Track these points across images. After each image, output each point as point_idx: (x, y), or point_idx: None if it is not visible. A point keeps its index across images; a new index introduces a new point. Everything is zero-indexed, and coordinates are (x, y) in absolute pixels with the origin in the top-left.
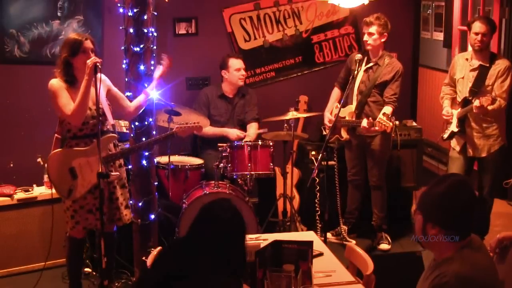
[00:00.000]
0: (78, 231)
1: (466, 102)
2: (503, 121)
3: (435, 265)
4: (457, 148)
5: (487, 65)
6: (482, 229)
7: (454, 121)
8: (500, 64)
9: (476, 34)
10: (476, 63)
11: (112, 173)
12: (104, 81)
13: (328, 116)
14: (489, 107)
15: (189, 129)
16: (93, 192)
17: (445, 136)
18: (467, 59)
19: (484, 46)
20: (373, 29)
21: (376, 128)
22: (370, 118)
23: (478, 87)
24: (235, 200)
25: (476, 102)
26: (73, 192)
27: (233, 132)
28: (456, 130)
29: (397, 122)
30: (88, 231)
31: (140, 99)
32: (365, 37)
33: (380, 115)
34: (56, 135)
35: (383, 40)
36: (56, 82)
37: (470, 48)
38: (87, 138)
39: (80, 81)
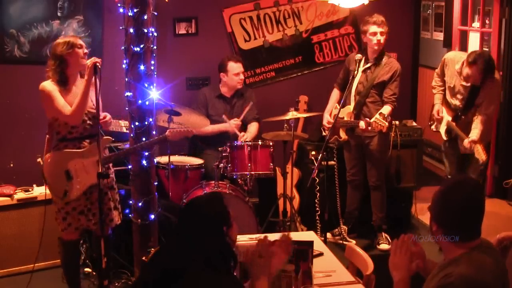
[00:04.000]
0: (71, 232)
1: (457, 118)
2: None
3: (444, 264)
4: (445, 137)
5: (478, 85)
6: None
7: (443, 127)
8: (490, 85)
9: (467, 75)
10: (468, 83)
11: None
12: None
13: (327, 118)
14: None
15: (179, 134)
16: (85, 193)
17: (433, 128)
18: (459, 72)
19: (472, 82)
20: (385, 29)
21: (373, 127)
22: (367, 118)
23: (470, 105)
24: (232, 199)
25: (466, 143)
26: (68, 194)
27: (229, 125)
28: (445, 138)
29: (397, 122)
30: (85, 231)
31: None
32: (378, 37)
33: (377, 115)
34: (47, 136)
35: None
36: (48, 85)
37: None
38: (76, 140)
39: (71, 81)
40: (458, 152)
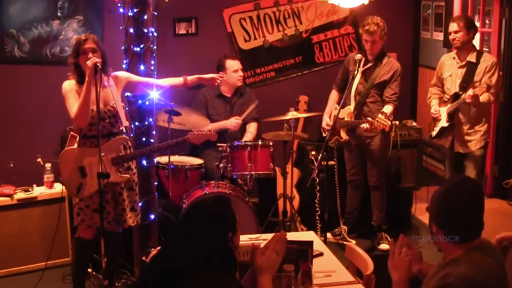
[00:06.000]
0: (84, 229)
1: (456, 97)
2: (490, 117)
3: (443, 264)
4: (447, 145)
5: (475, 61)
6: None
7: (444, 117)
8: (487, 60)
9: (449, 34)
10: (463, 60)
11: (123, 175)
12: (119, 79)
13: (326, 120)
14: (480, 98)
15: (202, 137)
16: (99, 191)
17: (434, 133)
18: (454, 58)
19: (459, 42)
20: (377, 36)
21: (375, 126)
22: (369, 118)
23: (468, 82)
24: (233, 200)
25: (470, 91)
26: (81, 190)
27: (230, 122)
28: (446, 125)
29: (397, 122)
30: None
31: (176, 80)
32: (368, 45)
33: (379, 114)
34: (72, 132)
35: (383, 42)
36: (66, 84)
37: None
38: (94, 138)
39: None
40: (454, 153)
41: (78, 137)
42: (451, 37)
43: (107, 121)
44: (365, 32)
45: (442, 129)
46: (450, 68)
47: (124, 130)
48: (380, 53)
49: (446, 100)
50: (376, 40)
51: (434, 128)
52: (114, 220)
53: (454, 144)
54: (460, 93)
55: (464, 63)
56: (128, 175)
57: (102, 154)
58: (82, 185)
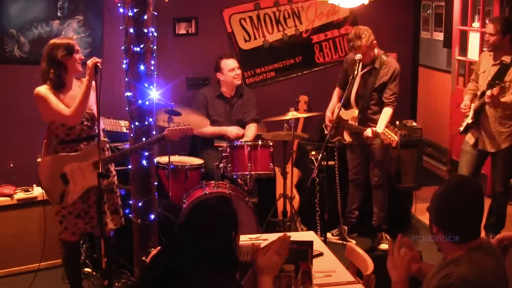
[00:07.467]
0: (68, 235)
1: (483, 95)
2: None
3: (444, 263)
4: (471, 142)
5: (508, 61)
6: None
7: (470, 113)
8: None
9: (485, 34)
10: (497, 59)
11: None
12: (92, 86)
13: (329, 117)
14: (502, 99)
15: (179, 132)
16: (82, 197)
17: (461, 129)
18: (490, 55)
19: (491, 46)
20: (364, 48)
21: (382, 139)
22: (374, 128)
23: (496, 81)
24: (233, 200)
25: (488, 92)
26: (64, 198)
27: (231, 130)
28: (470, 121)
29: (397, 122)
30: (86, 233)
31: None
32: (358, 56)
33: (385, 128)
34: (45, 140)
35: (375, 48)
36: (42, 89)
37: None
38: (73, 143)
39: (67, 85)
40: (478, 150)
41: (53, 144)
42: (485, 37)
43: (84, 123)
44: (351, 48)
45: (468, 125)
46: (485, 65)
47: (102, 133)
48: (377, 53)
49: (477, 96)
50: (364, 51)
51: (462, 124)
52: (97, 223)
53: (478, 142)
54: (486, 91)
55: (497, 62)
56: (113, 178)
57: (85, 159)
58: (65, 192)
